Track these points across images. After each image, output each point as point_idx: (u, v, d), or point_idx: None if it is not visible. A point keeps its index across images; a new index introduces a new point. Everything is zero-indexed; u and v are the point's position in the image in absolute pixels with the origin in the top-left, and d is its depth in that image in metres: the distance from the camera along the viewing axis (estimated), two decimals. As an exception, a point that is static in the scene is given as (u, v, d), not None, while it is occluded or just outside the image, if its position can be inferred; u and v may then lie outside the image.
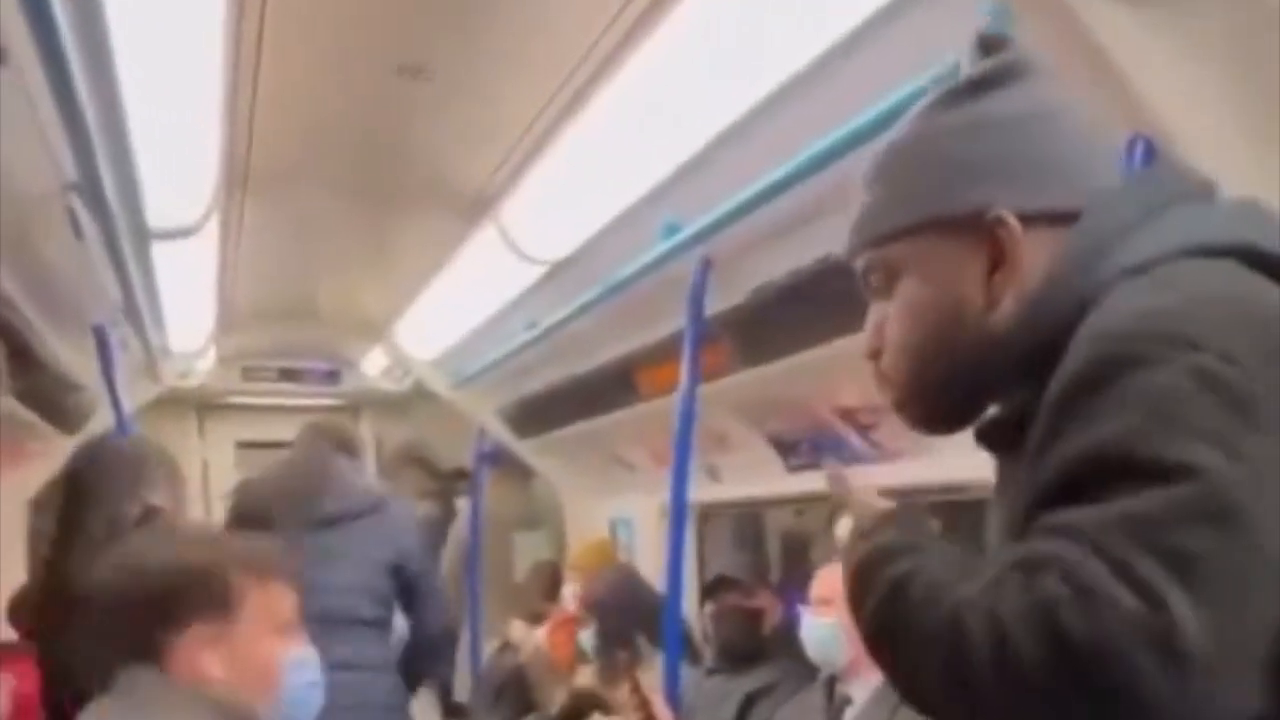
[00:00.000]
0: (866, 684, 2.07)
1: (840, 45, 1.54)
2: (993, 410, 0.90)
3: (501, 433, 4.35)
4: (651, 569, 3.46)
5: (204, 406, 5.17)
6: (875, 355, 0.94)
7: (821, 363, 2.25)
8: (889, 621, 0.78)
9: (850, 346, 2.17)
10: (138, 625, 1.36)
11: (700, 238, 2.14)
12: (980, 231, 0.85)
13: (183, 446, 5.18)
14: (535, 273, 2.89)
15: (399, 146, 2.45)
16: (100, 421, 3.84)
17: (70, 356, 3.11)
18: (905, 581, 0.78)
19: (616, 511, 3.97)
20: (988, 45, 0.92)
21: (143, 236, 2.44)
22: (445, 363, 4.24)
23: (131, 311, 2.87)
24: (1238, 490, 0.64)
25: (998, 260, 0.85)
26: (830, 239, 1.95)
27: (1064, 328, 0.76)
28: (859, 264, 0.94)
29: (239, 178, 2.56)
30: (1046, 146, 0.86)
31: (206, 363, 4.53)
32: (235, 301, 3.68)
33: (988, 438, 0.89)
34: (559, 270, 2.82)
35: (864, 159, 1.57)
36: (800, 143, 1.72)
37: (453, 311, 3.64)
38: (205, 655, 1.35)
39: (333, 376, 5.08)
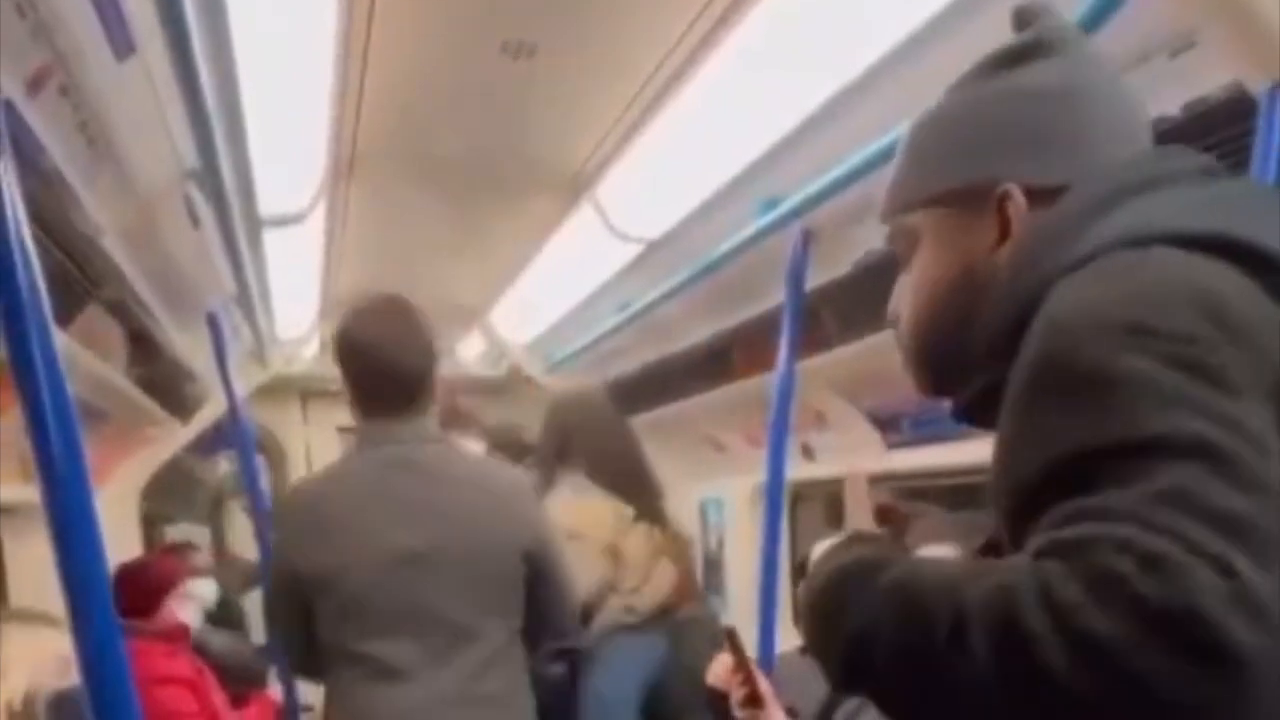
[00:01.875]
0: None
1: (941, 16, 1.53)
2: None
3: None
4: (744, 549, 3.46)
5: (307, 392, 5.31)
6: (893, 322, 0.95)
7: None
8: (898, 634, 0.69)
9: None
10: None
11: (800, 211, 2.12)
12: (991, 205, 0.85)
13: (287, 431, 5.34)
14: (631, 251, 2.90)
15: (500, 129, 2.48)
16: (212, 409, 3.96)
17: (184, 343, 3.22)
18: (905, 584, 0.70)
19: (707, 492, 3.98)
20: (1023, 18, 0.90)
21: (254, 223, 2.52)
22: (540, 346, 4.29)
23: (243, 298, 2.96)
24: (1245, 452, 0.62)
25: (1005, 234, 0.85)
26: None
27: (1021, 315, 0.76)
28: (888, 233, 0.94)
29: (345, 164, 2.62)
30: (1062, 122, 0.84)
31: (310, 349, 4.65)
32: (338, 288, 3.77)
33: (963, 413, 0.89)
34: (655, 249, 2.83)
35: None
36: (898, 117, 1.70)
37: (548, 295, 3.68)
38: None
39: None
